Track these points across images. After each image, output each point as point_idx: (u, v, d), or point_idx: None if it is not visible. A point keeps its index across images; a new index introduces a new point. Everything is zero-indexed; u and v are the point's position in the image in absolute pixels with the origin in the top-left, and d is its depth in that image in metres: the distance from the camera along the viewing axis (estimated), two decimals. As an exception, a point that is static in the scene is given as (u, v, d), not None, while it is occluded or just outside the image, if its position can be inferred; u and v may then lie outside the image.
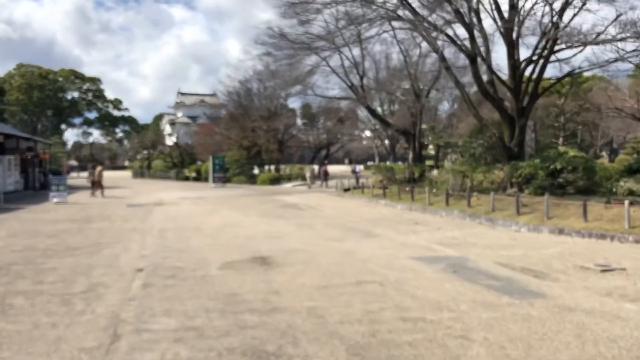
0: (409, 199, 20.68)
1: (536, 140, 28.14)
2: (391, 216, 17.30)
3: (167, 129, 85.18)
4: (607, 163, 30.30)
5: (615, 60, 18.73)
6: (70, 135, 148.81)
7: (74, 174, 70.87)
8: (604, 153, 44.61)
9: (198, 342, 4.86)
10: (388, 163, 43.55)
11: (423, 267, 8.29)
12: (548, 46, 19.22)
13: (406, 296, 6.50)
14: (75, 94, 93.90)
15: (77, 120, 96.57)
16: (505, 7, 19.46)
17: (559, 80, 22.70)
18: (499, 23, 19.85)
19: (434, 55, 30.11)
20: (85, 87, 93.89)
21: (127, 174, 69.82)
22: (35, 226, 14.38)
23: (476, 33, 19.66)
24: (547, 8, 18.73)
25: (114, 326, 5.36)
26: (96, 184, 27.83)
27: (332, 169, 41.71)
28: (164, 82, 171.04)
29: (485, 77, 20.76)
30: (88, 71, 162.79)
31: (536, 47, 19.99)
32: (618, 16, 17.31)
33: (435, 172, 30.48)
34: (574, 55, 20.30)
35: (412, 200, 20.40)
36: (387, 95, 41.42)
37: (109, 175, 46.45)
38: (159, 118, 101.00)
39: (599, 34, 18.01)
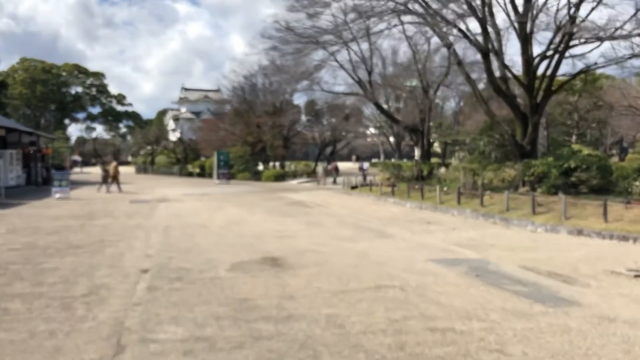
0: (418, 197, 20.21)
1: (548, 138, 27.59)
2: (402, 215, 16.84)
3: (171, 124, 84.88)
4: (616, 162, 29.82)
5: (631, 56, 18.24)
6: (74, 130, 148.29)
7: (77, 169, 70.58)
8: (613, 151, 44.00)
9: (209, 356, 4.42)
10: (393, 160, 43.05)
11: (444, 271, 7.84)
12: (564, 41, 18.68)
13: (430, 303, 6.04)
14: (79, 89, 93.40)
15: (81, 115, 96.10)
16: (519, 0, 18.96)
17: (574, 76, 22.15)
18: (512, 17, 19.36)
19: (443, 51, 29.75)
20: (88, 82, 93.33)
21: (130, 169, 69.41)
22: (36, 222, 13.96)
23: (489, 28, 19.15)
24: (564, 1, 18.21)
25: (117, 335, 4.92)
26: (112, 179, 27.48)
27: (339, 166, 41.30)
28: (167, 78, 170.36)
29: (497, 74, 20.24)
30: (92, 66, 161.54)
31: (550, 42, 19.46)
32: (638, 11, 16.77)
33: (443, 169, 30.02)
34: (591, 50, 19.95)
35: (422, 198, 19.93)
36: (393, 90, 40.84)
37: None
38: (162, 113, 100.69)
39: (616, 29, 17.50)
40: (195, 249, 9.85)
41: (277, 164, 47.87)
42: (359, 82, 29.10)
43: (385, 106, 43.55)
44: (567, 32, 18.24)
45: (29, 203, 20.32)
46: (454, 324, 5.30)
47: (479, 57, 27.06)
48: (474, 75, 28.49)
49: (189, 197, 24.35)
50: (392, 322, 5.31)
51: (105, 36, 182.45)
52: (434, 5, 19.55)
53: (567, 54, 19.52)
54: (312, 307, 5.83)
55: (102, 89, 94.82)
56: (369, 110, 51.68)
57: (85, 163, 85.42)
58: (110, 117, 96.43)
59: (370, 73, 28.56)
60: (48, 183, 30.29)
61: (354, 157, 70.46)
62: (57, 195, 22.60)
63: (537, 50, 20.07)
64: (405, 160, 41.82)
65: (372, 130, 63.38)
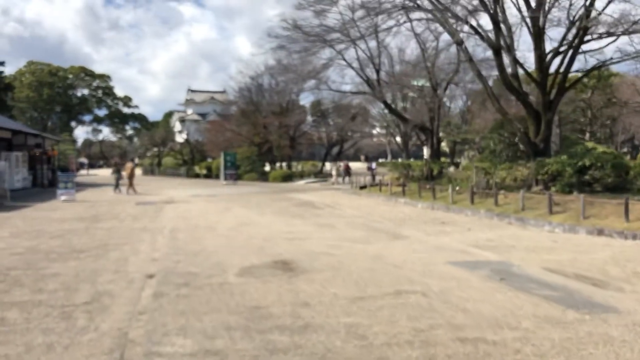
0: (429, 197, 19.76)
1: (561, 135, 27.05)
2: (414, 215, 16.41)
3: (177, 126, 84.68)
4: (628, 160, 29.20)
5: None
6: (80, 133, 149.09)
7: (83, 172, 70.49)
8: (625, 149, 43.34)
9: (221, 372, 4.03)
10: (402, 160, 42.56)
11: (466, 274, 7.41)
12: (578, 36, 18.20)
13: (456, 310, 5.62)
14: (85, 91, 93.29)
15: (87, 118, 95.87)
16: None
17: (588, 72, 21.61)
18: (524, 13, 18.88)
19: (451, 49, 29.30)
20: (95, 84, 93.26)
21: (137, 171, 69.16)
22: (40, 225, 13.63)
23: (500, 24, 18.66)
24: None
25: (120, 348, 4.53)
26: (128, 181, 27.21)
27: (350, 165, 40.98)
28: (173, 80, 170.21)
29: (509, 71, 19.76)
30: (98, 69, 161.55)
31: (564, 38, 18.98)
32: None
33: (452, 169, 29.55)
34: (606, 45, 19.25)
35: (433, 198, 19.48)
36: (400, 89, 40.37)
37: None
38: (169, 115, 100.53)
39: (633, 23, 17.02)
40: (203, 252, 9.46)
41: (284, 164, 47.52)
42: (367, 80, 28.70)
43: (392, 105, 43.10)
44: (582, 27, 17.77)
45: (34, 205, 20.03)
46: (485, 333, 4.89)
47: (488, 54, 26.69)
48: (482, 73, 28.03)
49: (196, 198, 24.00)
50: (418, 332, 4.89)
51: (111, 39, 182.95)
52: (444, 1, 19.13)
53: (580, 50, 19.07)
54: (330, 316, 5.43)
55: (108, 91, 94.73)
56: (375, 109, 51.35)
57: (92, 165, 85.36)
58: (117, 119, 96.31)
59: (378, 71, 28.19)
60: (54, 185, 30.03)
61: (362, 157, 69.88)
62: (63, 198, 22.33)
63: (548, 47, 19.62)
64: (412, 159, 41.33)
65: (378, 130, 62.95)
